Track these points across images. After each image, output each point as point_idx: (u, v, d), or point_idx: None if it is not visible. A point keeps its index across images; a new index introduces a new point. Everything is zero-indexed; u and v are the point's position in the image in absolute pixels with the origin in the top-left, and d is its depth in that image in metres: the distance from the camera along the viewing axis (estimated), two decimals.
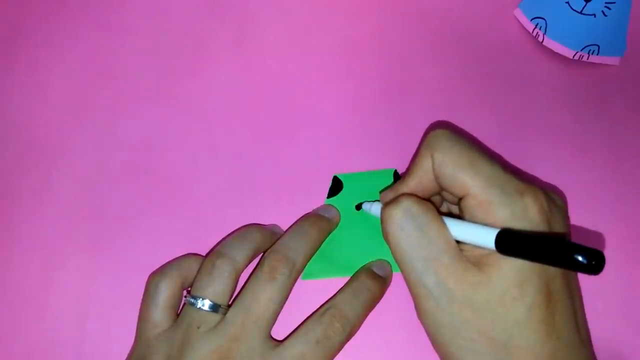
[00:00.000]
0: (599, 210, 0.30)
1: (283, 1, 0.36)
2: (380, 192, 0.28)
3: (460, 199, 0.23)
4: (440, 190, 0.24)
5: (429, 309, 0.22)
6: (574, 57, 0.34)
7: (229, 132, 0.33)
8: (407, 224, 0.22)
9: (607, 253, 0.28)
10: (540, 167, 0.31)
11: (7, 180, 0.32)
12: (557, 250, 0.17)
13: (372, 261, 0.29)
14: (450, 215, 0.24)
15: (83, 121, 0.33)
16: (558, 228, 0.21)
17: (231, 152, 0.32)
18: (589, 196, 0.31)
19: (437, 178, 0.23)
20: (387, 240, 0.23)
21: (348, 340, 0.25)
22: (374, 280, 0.27)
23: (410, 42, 0.35)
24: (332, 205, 0.30)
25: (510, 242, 0.19)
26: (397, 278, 0.29)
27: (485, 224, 0.21)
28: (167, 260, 0.29)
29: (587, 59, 0.34)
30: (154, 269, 0.28)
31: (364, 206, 0.29)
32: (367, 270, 0.28)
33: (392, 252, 0.23)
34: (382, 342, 0.28)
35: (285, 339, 0.25)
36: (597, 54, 0.33)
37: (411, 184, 0.24)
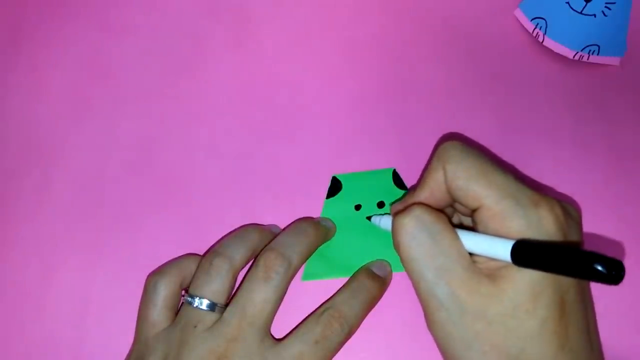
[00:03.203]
0: (599, 210, 0.30)
1: (283, 1, 0.36)
2: (391, 204, 0.27)
3: (473, 211, 0.22)
4: (452, 202, 0.24)
5: (439, 320, 0.21)
6: (574, 57, 0.33)
7: (229, 132, 0.33)
8: (420, 233, 0.22)
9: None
10: (541, 167, 0.31)
11: (6, 180, 0.32)
12: (575, 259, 0.16)
13: (372, 261, 0.29)
14: (462, 227, 0.24)
15: (82, 121, 0.33)
16: (573, 239, 0.21)
17: (231, 152, 0.32)
18: (589, 196, 0.31)
19: (449, 190, 0.23)
20: (397, 249, 0.23)
21: (347, 340, 0.25)
22: (373, 280, 0.27)
23: (410, 41, 0.35)
24: (328, 218, 0.30)
25: (527, 253, 0.18)
26: (396, 278, 0.28)
27: (500, 236, 0.20)
28: (166, 260, 0.29)
29: (587, 59, 0.33)
30: (153, 269, 0.28)
31: (373, 219, 0.29)
32: (366, 270, 0.28)
33: (402, 262, 0.22)
34: (382, 341, 0.28)
35: (284, 338, 0.25)
36: (597, 54, 0.33)
37: (422, 197, 0.24)
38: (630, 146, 0.32)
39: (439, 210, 0.23)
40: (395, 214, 0.23)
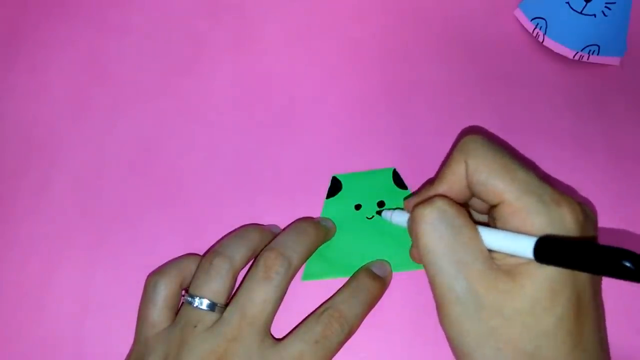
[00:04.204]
0: (599, 210, 0.30)
1: (283, 1, 0.36)
2: (404, 199, 0.27)
3: (492, 207, 0.22)
4: (470, 197, 0.24)
5: (454, 314, 0.21)
6: (574, 57, 0.33)
7: (229, 132, 0.33)
8: (441, 225, 0.21)
9: None
10: (541, 167, 0.31)
11: (6, 180, 0.32)
12: (602, 256, 0.16)
13: (372, 261, 0.29)
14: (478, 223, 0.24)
15: (82, 121, 0.33)
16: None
17: (231, 152, 0.32)
18: (589, 196, 0.31)
19: (470, 185, 0.23)
20: (415, 240, 0.22)
21: (347, 340, 0.25)
22: (373, 280, 0.27)
23: (411, 42, 0.35)
24: (329, 218, 0.30)
25: (551, 250, 0.18)
26: (396, 278, 0.28)
27: (520, 232, 0.20)
28: (166, 260, 0.29)
29: (587, 59, 0.33)
30: (153, 269, 0.28)
31: (384, 214, 0.29)
32: (366, 270, 0.28)
33: (420, 253, 0.22)
34: (382, 341, 0.28)
35: (284, 338, 0.25)
36: (597, 54, 0.33)
37: (440, 190, 0.24)
38: (629, 145, 0.32)
39: (460, 204, 0.23)
40: (415, 206, 0.23)
